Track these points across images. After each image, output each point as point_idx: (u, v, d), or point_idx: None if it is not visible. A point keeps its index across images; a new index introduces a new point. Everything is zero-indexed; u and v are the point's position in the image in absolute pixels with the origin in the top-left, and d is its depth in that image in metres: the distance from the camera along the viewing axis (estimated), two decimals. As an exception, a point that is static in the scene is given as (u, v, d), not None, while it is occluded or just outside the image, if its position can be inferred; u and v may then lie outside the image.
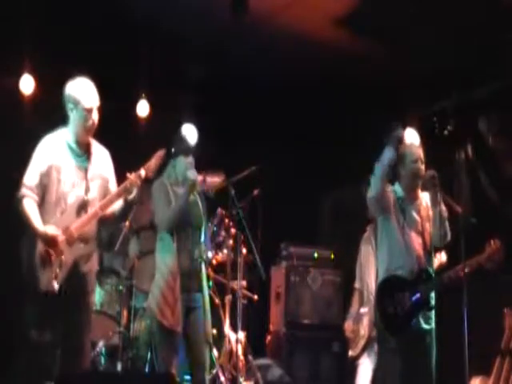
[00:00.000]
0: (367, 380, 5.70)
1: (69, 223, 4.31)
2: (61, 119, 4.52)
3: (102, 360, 6.17)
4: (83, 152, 4.48)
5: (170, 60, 7.00)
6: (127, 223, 6.68)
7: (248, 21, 6.02)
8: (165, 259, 4.72)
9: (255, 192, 6.05)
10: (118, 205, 4.52)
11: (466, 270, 4.54)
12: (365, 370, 5.70)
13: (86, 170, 4.44)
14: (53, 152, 4.40)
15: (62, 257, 4.26)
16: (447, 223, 4.71)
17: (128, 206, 4.58)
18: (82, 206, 4.37)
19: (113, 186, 4.55)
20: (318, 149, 7.97)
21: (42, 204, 4.36)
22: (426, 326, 4.65)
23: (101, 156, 4.58)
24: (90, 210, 4.38)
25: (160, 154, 4.53)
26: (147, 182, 7.37)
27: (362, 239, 6.04)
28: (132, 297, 6.60)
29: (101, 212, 4.39)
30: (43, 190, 4.35)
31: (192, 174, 4.72)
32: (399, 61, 6.59)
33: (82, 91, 4.42)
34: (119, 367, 6.12)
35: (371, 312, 5.63)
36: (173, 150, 4.88)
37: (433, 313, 4.71)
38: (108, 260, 6.89)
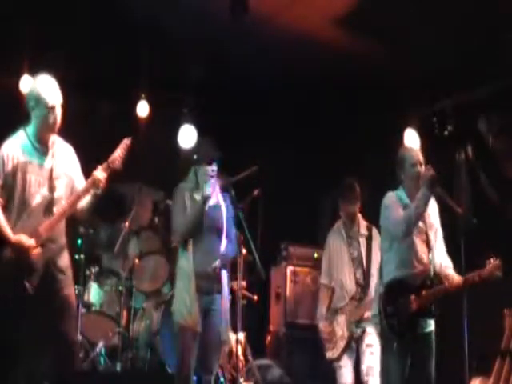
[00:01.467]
0: (350, 381, 5.66)
1: (36, 224, 4.23)
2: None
3: (102, 360, 6.17)
4: (46, 150, 4.37)
5: (170, 60, 6.99)
6: (127, 224, 6.69)
7: (248, 21, 6.01)
8: (181, 262, 4.82)
9: (255, 192, 6.04)
10: (85, 201, 4.41)
11: (466, 284, 4.55)
12: (347, 372, 5.64)
13: (50, 169, 4.33)
14: (16, 153, 4.29)
15: (33, 262, 4.19)
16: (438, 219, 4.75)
17: (97, 201, 4.47)
18: (49, 206, 4.28)
19: (79, 183, 4.43)
20: (318, 149, 7.97)
21: (7, 205, 4.26)
22: (425, 329, 4.66)
23: (65, 153, 4.47)
24: (57, 209, 4.29)
25: (125, 142, 4.39)
26: (148, 184, 7.43)
27: (330, 232, 6.00)
28: (132, 297, 6.61)
29: (69, 209, 4.31)
30: (8, 191, 4.26)
31: (207, 188, 4.75)
32: (399, 61, 6.58)
33: (44, 89, 4.29)
34: (119, 367, 6.13)
35: (347, 311, 5.63)
36: (195, 156, 4.90)
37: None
38: (108, 261, 6.89)
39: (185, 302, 4.69)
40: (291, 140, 7.87)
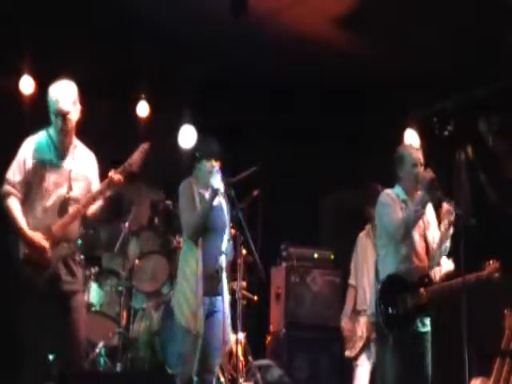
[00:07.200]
0: (366, 382, 5.68)
1: (50, 222, 4.30)
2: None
3: (102, 360, 6.17)
4: (67, 152, 4.45)
5: (170, 60, 6.99)
6: (127, 224, 6.68)
7: (248, 21, 6.01)
8: (188, 262, 4.74)
9: (255, 192, 6.04)
10: (97, 205, 4.48)
11: (464, 285, 4.54)
12: (363, 371, 5.67)
13: (69, 170, 4.41)
14: (38, 150, 4.39)
15: (47, 258, 4.26)
16: (449, 240, 4.71)
17: (108, 204, 4.52)
18: (64, 206, 4.35)
19: (95, 188, 4.50)
20: (318, 149, 7.96)
21: (24, 200, 4.35)
22: (422, 329, 4.65)
23: (86, 158, 4.56)
24: (72, 209, 4.36)
25: (144, 147, 4.47)
26: (147, 184, 7.43)
27: (360, 236, 6.02)
28: (132, 297, 6.61)
29: (83, 210, 4.38)
30: (27, 186, 4.34)
31: (215, 181, 4.70)
32: (399, 61, 6.59)
33: (56, 95, 4.36)
34: (119, 368, 6.13)
35: (368, 312, 5.63)
36: (197, 154, 4.89)
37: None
38: (108, 261, 6.89)
39: (190, 304, 4.64)
40: (291, 140, 7.87)
